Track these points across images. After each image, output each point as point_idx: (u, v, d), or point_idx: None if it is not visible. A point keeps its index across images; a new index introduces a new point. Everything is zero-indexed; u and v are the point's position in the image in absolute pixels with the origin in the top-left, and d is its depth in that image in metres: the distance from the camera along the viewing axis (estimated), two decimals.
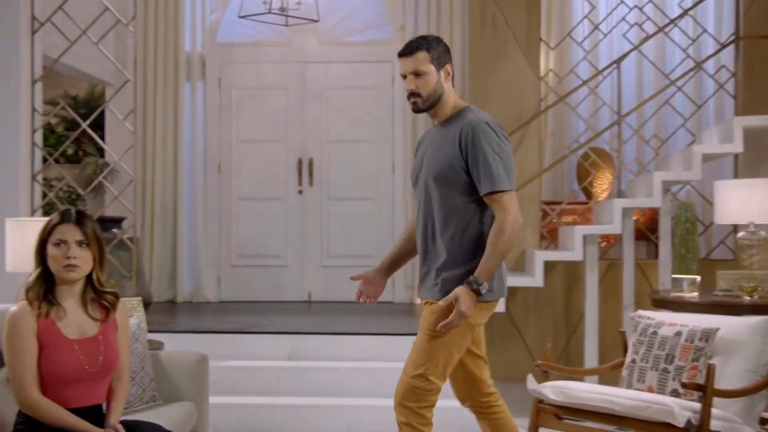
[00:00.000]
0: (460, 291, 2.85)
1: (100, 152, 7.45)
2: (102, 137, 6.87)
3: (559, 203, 6.57)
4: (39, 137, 5.57)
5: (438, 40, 3.08)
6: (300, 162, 7.48)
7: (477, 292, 2.86)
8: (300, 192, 7.49)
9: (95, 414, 2.76)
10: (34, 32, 5.44)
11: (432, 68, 3.02)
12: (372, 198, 7.48)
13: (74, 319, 2.75)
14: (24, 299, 2.71)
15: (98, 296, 2.81)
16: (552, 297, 6.11)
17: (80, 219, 2.76)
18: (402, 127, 7.35)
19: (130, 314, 3.30)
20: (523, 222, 2.99)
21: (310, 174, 7.47)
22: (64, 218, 2.75)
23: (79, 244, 2.72)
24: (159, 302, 6.90)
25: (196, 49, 7.47)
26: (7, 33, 5.34)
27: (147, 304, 5.91)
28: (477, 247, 2.95)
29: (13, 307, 2.70)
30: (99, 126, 7.05)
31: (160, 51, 7.25)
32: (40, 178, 5.52)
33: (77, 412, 2.68)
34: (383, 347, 5.33)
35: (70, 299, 2.77)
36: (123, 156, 5.69)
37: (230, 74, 7.55)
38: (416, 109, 3.08)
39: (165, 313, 6.38)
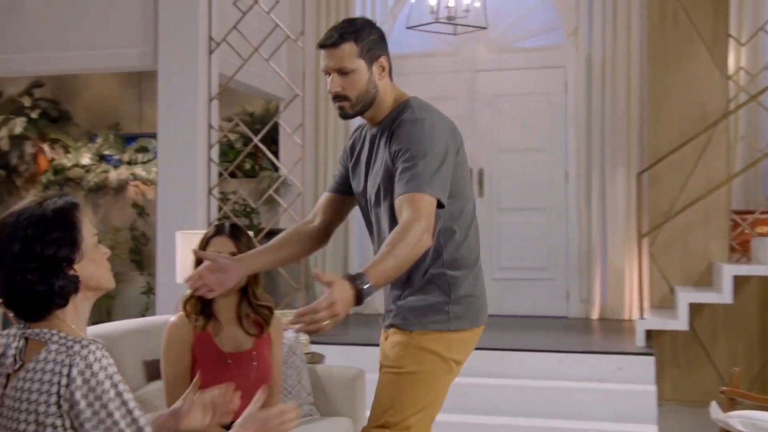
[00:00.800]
0: (339, 282, 2.02)
1: (276, 166, 7.66)
2: (277, 152, 7.06)
3: (751, 212, 6.03)
4: (215, 153, 5.77)
5: (370, 25, 2.36)
6: (470, 172, 7.33)
7: (358, 294, 2.03)
8: None
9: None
10: (211, 52, 5.65)
11: (361, 64, 2.30)
12: (544, 208, 7.19)
13: (229, 333, 2.75)
14: (182, 311, 2.74)
15: (253, 310, 2.80)
16: (744, 316, 5.58)
17: (234, 232, 2.76)
18: (576, 134, 7.03)
19: (285, 328, 3.28)
20: (477, 249, 2.38)
21: (480, 184, 7.30)
22: (218, 231, 2.77)
23: (233, 254, 2.71)
24: None
25: None
26: (186, 53, 5.58)
27: None
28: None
29: (172, 318, 2.74)
30: (274, 141, 7.25)
31: None
32: (215, 192, 5.71)
33: (228, 426, 2.67)
34: (554, 366, 5.07)
35: (225, 313, 2.77)
36: (293, 169, 5.79)
37: (399, 86, 7.45)
38: (343, 115, 2.38)
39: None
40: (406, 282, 2.38)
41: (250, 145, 5.90)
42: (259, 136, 5.83)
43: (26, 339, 1.75)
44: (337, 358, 5.01)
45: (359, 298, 2.03)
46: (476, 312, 2.40)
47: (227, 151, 7.48)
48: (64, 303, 1.75)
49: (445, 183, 2.25)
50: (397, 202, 2.22)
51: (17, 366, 1.71)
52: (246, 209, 6.92)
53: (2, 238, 1.72)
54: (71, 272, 1.75)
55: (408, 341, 2.32)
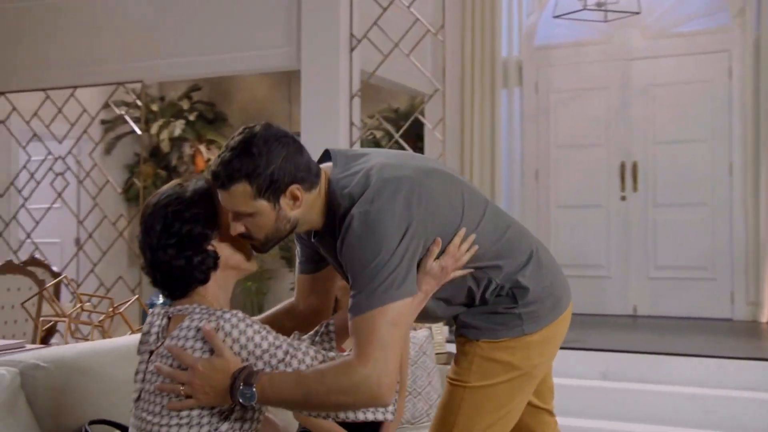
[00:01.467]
0: (230, 357, 1.67)
1: None
2: (422, 148, 6.99)
3: None
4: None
5: (269, 148, 1.76)
6: (623, 166, 6.97)
7: (232, 387, 1.67)
8: (623, 198, 6.97)
9: (373, 430, 2.67)
10: (352, 49, 5.65)
11: (262, 205, 1.78)
12: (705, 203, 6.72)
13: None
14: None
15: None
16: None
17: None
18: (741, 124, 6.53)
19: (415, 327, 3.19)
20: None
21: (634, 178, 6.92)
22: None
23: None
24: None
25: (512, 54, 7.31)
26: (328, 52, 5.61)
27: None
28: None
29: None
30: (420, 137, 7.19)
31: (477, 59, 7.19)
32: None
33: (352, 426, 2.60)
34: (715, 372, 4.71)
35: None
36: None
37: (548, 78, 7.28)
38: (258, 251, 1.89)
39: None
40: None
41: (390, 142, 5.84)
42: (400, 132, 5.77)
43: (169, 318, 1.80)
44: None
45: (233, 395, 1.67)
46: (555, 301, 2.08)
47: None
48: (204, 278, 1.79)
49: (408, 271, 1.78)
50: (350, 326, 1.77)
51: (159, 343, 1.75)
52: None
53: (146, 219, 1.79)
54: (209, 248, 1.78)
55: (475, 352, 2.04)
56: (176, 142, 8.10)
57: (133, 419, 1.77)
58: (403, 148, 7.37)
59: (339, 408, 1.76)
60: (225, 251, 1.81)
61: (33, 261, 5.07)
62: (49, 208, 6.63)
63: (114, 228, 6.50)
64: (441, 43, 5.72)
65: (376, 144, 7.49)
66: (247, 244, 1.85)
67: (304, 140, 5.68)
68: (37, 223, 6.69)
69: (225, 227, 1.81)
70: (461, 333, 2.07)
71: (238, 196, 1.76)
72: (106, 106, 6.58)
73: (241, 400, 1.66)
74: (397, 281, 1.74)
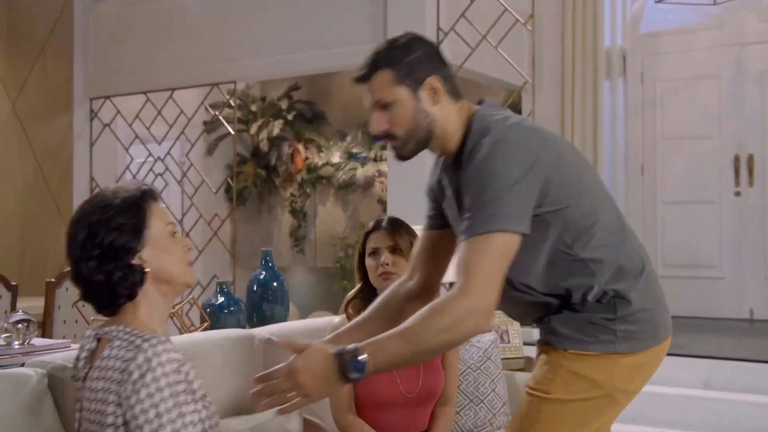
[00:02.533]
0: (314, 350, 1.71)
1: None
2: None
3: None
4: None
5: (411, 43, 1.90)
6: (737, 159, 6.50)
7: (341, 367, 1.67)
8: (737, 194, 6.50)
9: None
10: (439, 42, 5.50)
11: (403, 92, 1.87)
12: None
13: None
14: (344, 314, 2.60)
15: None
16: None
17: (392, 226, 2.58)
18: None
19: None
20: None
21: (750, 172, 6.44)
22: (376, 226, 2.59)
23: (392, 250, 2.54)
24: None
25: (616, 43, 6.96)
26: None
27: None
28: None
29: (335, 320, 2.61)
30: None
31: (578, 48, 6.87)
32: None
33: None
34: None
35: None
36: None
37: (654, 67, 6.89)
38: (399, 157, 1.98)
39: None
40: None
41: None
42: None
43: (98, 339, 1.70)
44: None
45: (344, 372, 1.66)
46: (654, 328, 1.93)
47: None
48: (129, 294, 1.67)
49: (523, 209, 1.77)
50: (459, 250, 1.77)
51: (86, 369, 1.66)
52: None
53: (71, 227, 1.70)
54: (134, 262, 1.66)
55: (560, 362, 1.90)
56: (275, 141, 8.17)
57: None
58: None
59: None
60: (155, 264, 1.68)
61: None
62: None
63: (209, 228, 6.60)
64: (531, 34, 5.48)
65: None
66: (183, 254, 1.74)
67: None
68: None
69: (156, 235, 1.69)
70: (548, 340, 1.95)
71: (379, 84, 1.88)
72: (204, 107, 6.69)
73: (355, 375, 1.67)
74: (513, 213, 1.74)
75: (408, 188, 5.45)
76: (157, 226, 1.70)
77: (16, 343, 2.46)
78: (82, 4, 6.98)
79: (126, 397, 1.53)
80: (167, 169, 6.67)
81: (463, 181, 1.84)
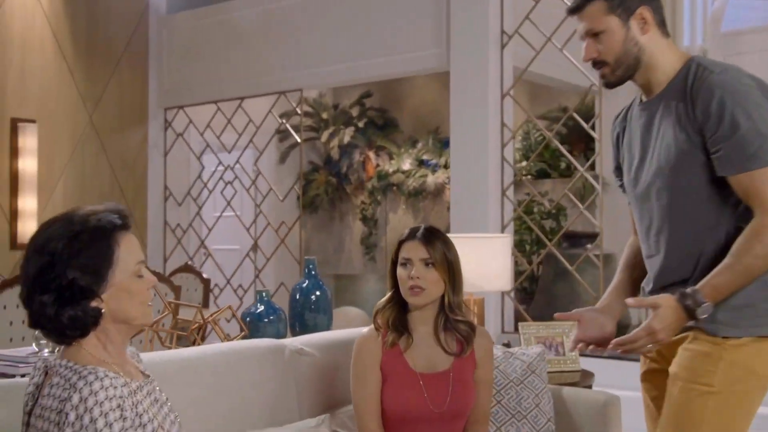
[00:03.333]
0: (665, 301, 1.89)
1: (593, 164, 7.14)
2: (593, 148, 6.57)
3: None
4: (509, 152, 5.49)
5: None
6: None
7: (690, 313, 1.88)
8: None
9: None
10: (503, 46, 5.39)
11: (613, 21, 2.03)
12: None
13: (423, 351, 2.46)
14: (373, 324, 2.53)
15: (451, 325, 2.49)
16: None
17: (427, 236, 2.46)
18: None
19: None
20: None
21: None
22: (410, 235, 2.49)
23: (425, 263, 2.43)
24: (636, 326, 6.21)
25: (696, 42, 6.69)
26: (477, 50, 5.38)
27: (623, 327, 5.39)
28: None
29: (364, 330, 2.53)
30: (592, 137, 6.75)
31: None
32: (510, 193, 5.42)
33: None
34: None
35: (421, 327, 2.49)
36: (585, 165, 5.28)
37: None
38: (606, 84, 2.14)
39: None
40: (691, 279, 1.99)
41: (542, 144, 5.51)
42: (553, 132, 5.43)
43: (46, 372, 1.62)
44: (616, 377, 4.48)
45: (693, 316, 1.89)
46: None
47: (542, 151, 7.13)
48: (76, 334, 1.58)
49: None
50: (734, 186, 1.94)
51: (32, 404, 1.60)
52: (551, 211, 6.52)
53: (28, 252, 1.59)
54: (92, 304, 1.57)
55: (720, 353, 1.94)
56: (346, 149, 8.18)
57: None
58: (583, 150, 6.96)
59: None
60: (114, 303, 1.59)
61: (185, 267, 5.26)
62: (219, 216, 6.91)
63: (276, 235, 6.64)
64: None
65: (546, 147, 7.11)
66: (145, 295, 1.65)
67: (453, 142, 5.51)
68: (210, 230, 7.00)
69: (123, 275, 1.59)
70: (702, 327, 1.97)
71: (592, 13, 2.04)
72: (272, 115, 6.75)
73: (704, 316, 1.88)
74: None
75: (470, 194, 5.35)
76: (124, 265, 1.60)
77: (47, 351, 2.48)
78: (156, 17, 7.16)
79: None
80: (236, 177, 6.75)
81: (693, 105, 1.97)
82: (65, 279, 1.54)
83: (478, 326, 2.56)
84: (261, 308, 3.13)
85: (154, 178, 7.14)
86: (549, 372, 3.60)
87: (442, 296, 2.46)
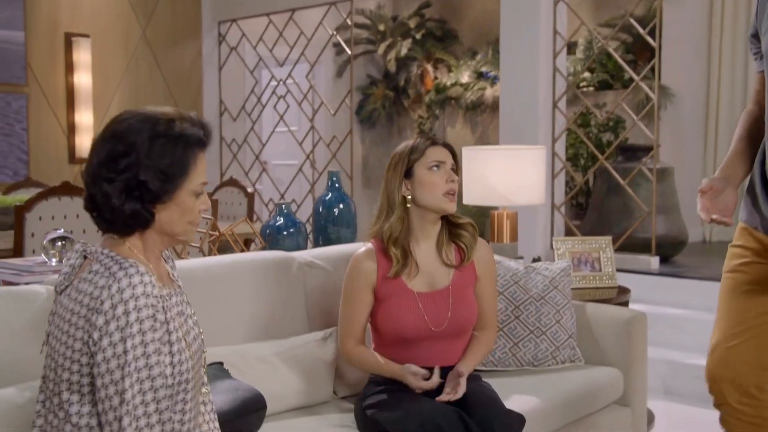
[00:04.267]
0: None
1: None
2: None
3: None
4: (561, 62, 5.26)
5: None
6: None
7: None
8: None
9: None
10: None
11: None
12: None
13: (423, 269, 2.37)
14: (372, 240, 2.41)
15: (453, 235, 2.40)
16: None
17: (446, 143, 2.39)
18: None
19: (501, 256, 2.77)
20: None
21: None
22: (432, 141, 2.37)
23: (452, 169, 2.36)
24: (695, 243, 5.96)
25: None
26: None
27: (678, 244, 5.21)
28: None
29: (361, 249, 2.43)
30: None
31: None
32: (562, 105, 5.22)
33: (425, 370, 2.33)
34: None
35: (424, 244, 2.39)
36: (644, 78, 5.02)
37: None
38: None
39: (695, 255, 5.51)
40: None
41: (598, 52, 5.23)
42: (607, 38, 5.15)
43: (85, 257, 1.62)
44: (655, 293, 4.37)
45: None
46: None
47: (606, 62, 6.81)
48: (130, 229, 1.58)
49: None
50: None
51: (66, 284, 1.60)
52: (608, 123, 6.25)
53: (110, 132, 1.56)
54: (150, 207, 1.55)
55: None
56: (404, 62, 8.00)
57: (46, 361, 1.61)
58: (648, 59, 6.63)
59: None
60: (165, 216, 1.57)
61: (231, 181, 5.28)
62: (272, 132, 6.89)
63: (328, 150, 6.59)
64: None
65: (609, 57, 6.79)
66: (196, 215, 1.61)
67: (503, 52, 5.30)
68: (264, 145, 7.00)
69: (185, 191, 1.56)
70: None
71: None
72: (334, 29, 6.62)
73: None
74: None
75: (520, 106, 5.18)
76: (191, 183, 1.58)
77: (54, 260, 2.51)
78: None
79: (95, 326, 1.47)
80: (288, 91, 6.69)
81: None
82: (136, 178, 1.52)
83: (478, 237, 2.45)
84: (280, 221, 3.10)
85: (209, 93, 7.15)
86: (584, 288, 3.51)
87: None
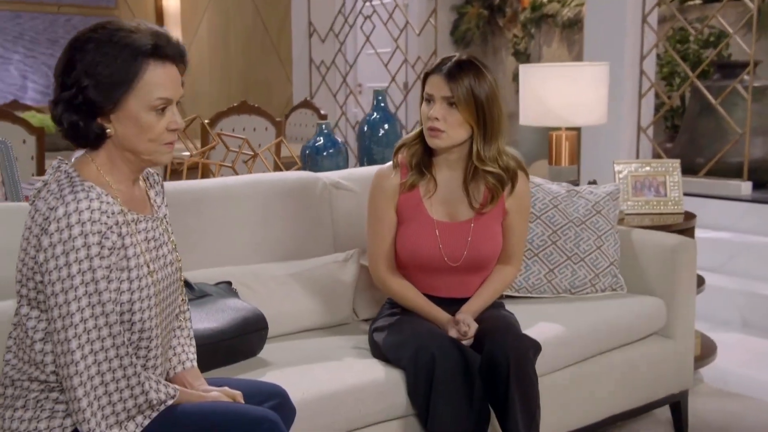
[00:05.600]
0: None
1: None
2: None
3: None
4: None
5: None
6: None
7: None
8: None
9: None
10: None
11: None
12: None
13: (446, 198, 2.24)
14: (400, 156, 2.30)
15: (481, 177, 2.22)
16: None
17: (453, 70, 2.14)
18: None
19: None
20: None
21: None
22: (436, 68, 2.19)
23: (448, 102, 2.15)
24: None
25: None
26: None
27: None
28: None
29: (384, 165, 2.35)
30: None
31: None
32: (652, 20, 4.87)
33: (441, 301, 2.26)
34: None
35: (446, 172, 2.25)
36: None
37: None
38: None
39: None
40: None
41: None
42: None
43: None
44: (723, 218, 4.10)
45: None
46: None
47: None
48: (78, 142, 1.55)
49: None
50: None
51: (32, 200, 1.60)
52: (709, 38, 5.80)
53: (70, 41, 1.54)
54: (98, 120, 1.52)
55: None
56: None
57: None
58: None
59: None
60: (120, 129, 1.53)
61: (304, 103, 5.26)
62: (358, 53, 6.80)
63: (413, 71, 6.45)
64: None
65: None
66: (161, 133, 1.55)
67: None
68: (350, 66, 6.93)
69: (133, 108, 1.51)
70: None
71: None
72: None
73: None
74: None
75: (605, 21, 4.88)
76: (143, 94, 1.52)
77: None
78: None
79: (42, 247, 1.47)
80: (374, 11, 6.56)
81: None
82: (78, 84, 1.50)
83: (519, 172, 2.27)
84: (320, 141, 3.05)
85: (297, 14, 7.10)
86: (644, 214, 3.32)
87: (472, 143, 2.20)
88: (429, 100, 2.19)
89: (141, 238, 1.59)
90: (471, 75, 2.15)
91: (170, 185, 2.36)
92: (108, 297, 1.48)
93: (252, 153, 2.88)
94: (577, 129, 3.44)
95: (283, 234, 2.49)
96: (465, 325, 2.12)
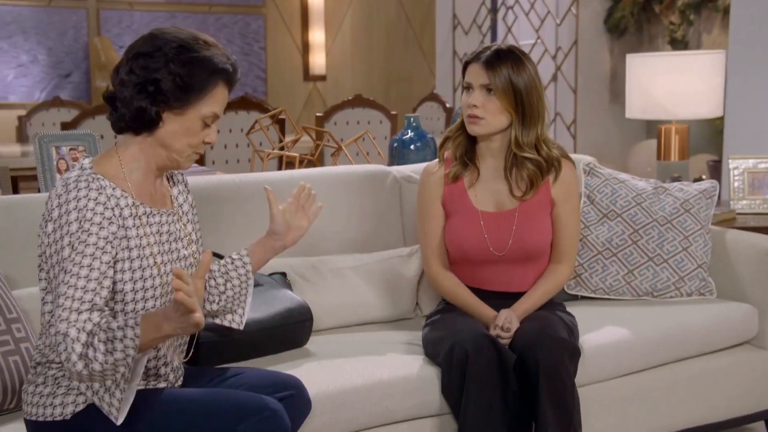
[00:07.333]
0: None
1: None
2: None
3: None
4: None
5: None
6: None
7: None
8: None
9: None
10: None
11: None
12: None
13: (490, 187, 2.23)
14: (438, 154, 2.32)
15: (521, 164, 2.19)
16: None
17: (492, 58, 2.13)
18: None
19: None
20: None
21: None
22: (475, 56, 2.18)
23: (487, 89, 2.14)
24: None
25: None
26: None
27: None
28: None
29: (432, 161, 2.35)
30: None
31: None
32: None
33: (490, 295, 2.21)
34: None
35: (490, 160, 2.24)
36: None
37: None
38: None
39: None
40: None
41: None
42: None
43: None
44: None
45: None
46: None
47: None
48: (133, 126, 1.64)
49: None
50: None
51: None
52: None
53: (154, 32, 1.65)
54: (158, 109, 1.62)
55: None
56: None
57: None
58: None
59: None
60: (169, 127, 1.63)
61: (431, 96, 5.25)
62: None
63: (552, 62, 6.27)
64: None
65: None
66: (197, 143, 1.67)
67: None
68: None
69: (193, 112, 1.63)
70: None
71: None
72: None
73: None
74: None
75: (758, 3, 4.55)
76: (204, 106, 1.64)
77: None
78: None
79: (44, 232, 1.60)
80: (517, 2, 6.43)
81: None
82: (153, 76, 1.60)
83: (564, 160, 2.23)
84: (409, 134, 3.04)
85: (442, 7, 7.09)
86: (758, 214, 3.07)
87: (512, 130, 2.17)
88: (468, 88, 2.20)
89: (153, 230, 1.67)
90: (509, 63, 2.14)
91: (235, 176, 2.46)
92: (97, 265, 1.56)
93: (336, 146, 2.93)
94: (688, 122, 3.22)
95: (349, 226, 2.51)
96: (507, 321, 2.07)
